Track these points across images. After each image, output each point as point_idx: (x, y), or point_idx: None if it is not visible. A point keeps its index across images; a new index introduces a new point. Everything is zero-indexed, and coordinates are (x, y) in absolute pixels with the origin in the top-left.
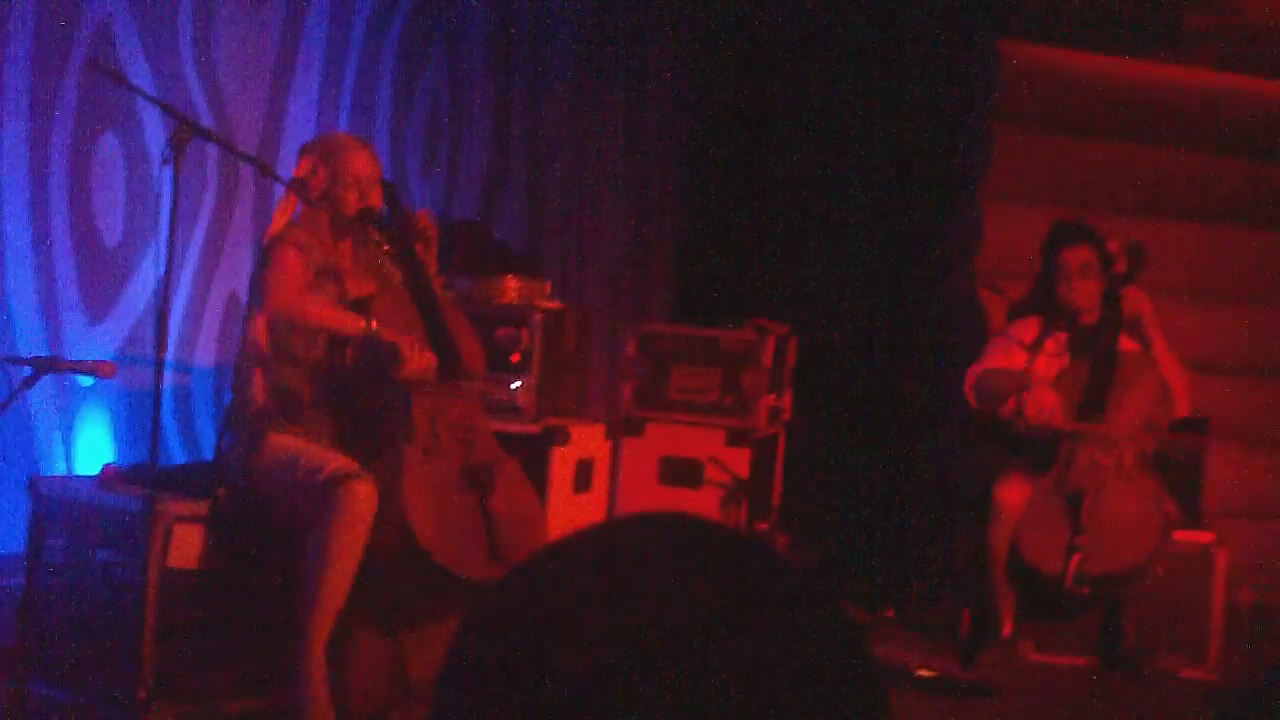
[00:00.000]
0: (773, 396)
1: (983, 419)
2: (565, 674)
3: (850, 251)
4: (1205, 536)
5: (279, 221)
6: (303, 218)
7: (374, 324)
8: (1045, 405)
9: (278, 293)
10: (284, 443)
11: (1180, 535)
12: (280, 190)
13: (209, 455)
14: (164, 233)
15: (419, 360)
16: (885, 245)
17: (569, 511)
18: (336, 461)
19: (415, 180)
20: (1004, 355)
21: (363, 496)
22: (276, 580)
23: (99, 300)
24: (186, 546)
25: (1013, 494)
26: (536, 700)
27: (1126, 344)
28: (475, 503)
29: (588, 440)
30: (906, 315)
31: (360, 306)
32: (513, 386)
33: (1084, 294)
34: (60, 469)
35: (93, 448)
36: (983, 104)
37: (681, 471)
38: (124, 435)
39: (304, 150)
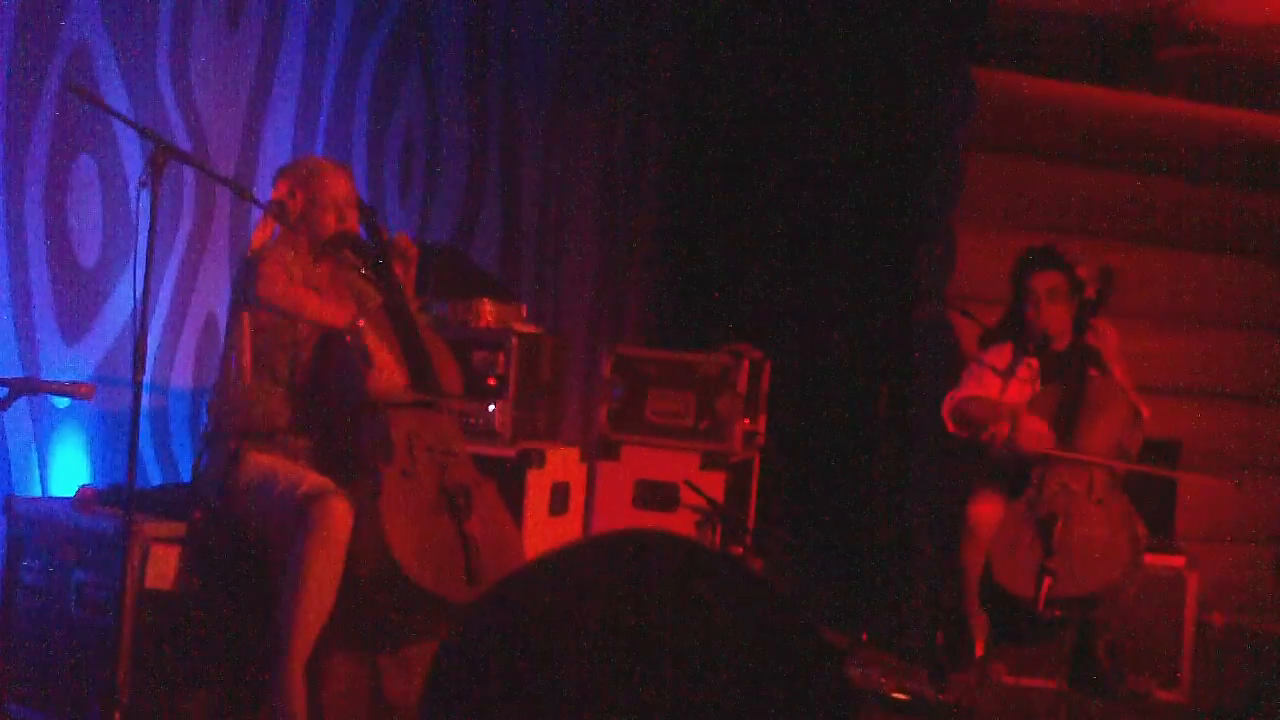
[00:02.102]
0: (747, 420)
1: (956, 442)
2: (546, 693)
3: (824, 276)
4: (1176, 559)
5: (259, 240)
6: (280, 240)
7: (361, 322)
8: (1037, 433)
9: (269, 283)
10: (261, 462)
11: (1151, 558)
12: (258, 213)
13: (186, 476)
14: (141, 255)
15: (390, 376)
16: (858, 270)
17: (545, 534)
18: (313, 480)
19: (392, 204)
20: (977, 383)
21: (339, 514)
22: (254, 601)
23: (75, 321)
24: (163, 567)
25: (985, 511)
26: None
27: (1095, 370)
28: (452, 524)
29: (563, 463)
30: (879, 339)
31: (337, 330)
32: (489, 410)
33: (1052, 319)
34: (36, 490)
35: (69, 469)
36: (956, 130)
37: (656, 495)
38: (100, 456)
39: (281, 173)
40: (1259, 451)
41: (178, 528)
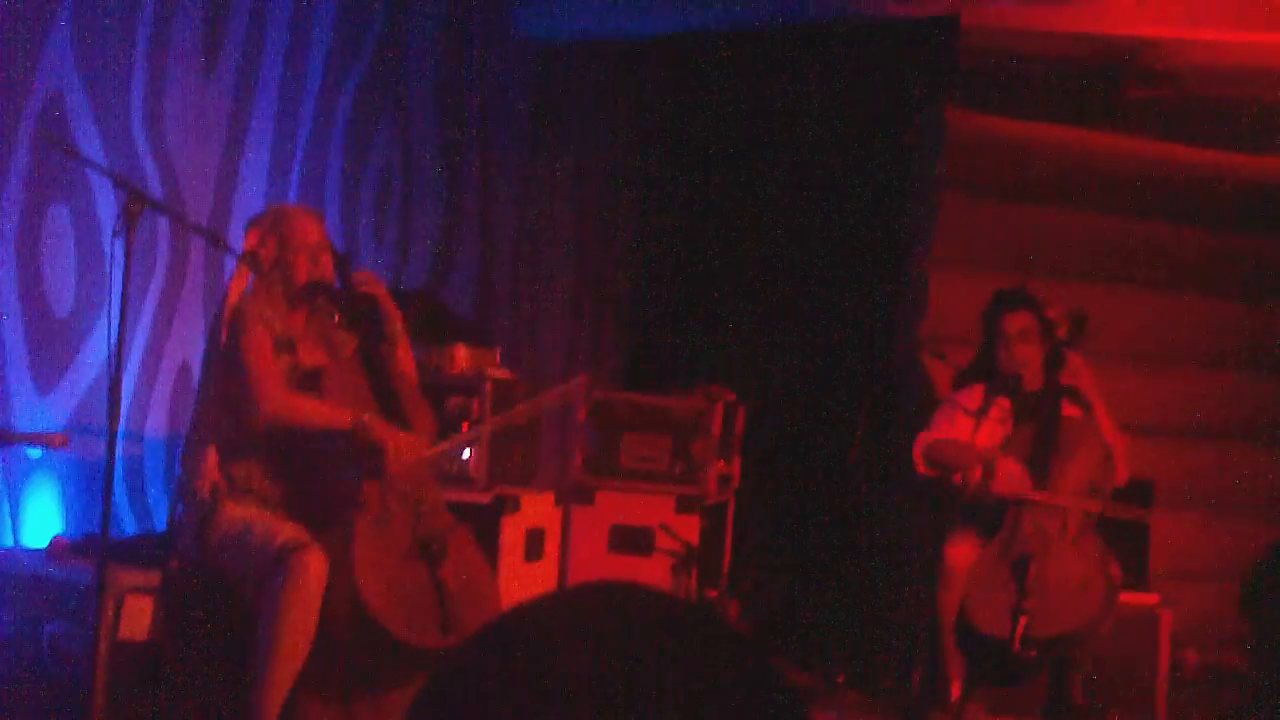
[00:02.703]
0: (722, 463)
1: (930, 484)
2: None
3: (797, 318)
4: (1150, 598)
5: (235, 295)
6: (257, 289)
7: (365, 417)
8: (1014, 476)
9: (267, 393)
10: (236, 513)
11: (1126, 597)
12: (233, 260)
13: (161, 526)
14: (115, 304)
15: (406, 455)
16: (832, 311)
17: (520, 580)
18: (288, 532)
19: (366, 250)
20: (949, 424)
21: (314, 567)
22: (230, 652)
23: (49, 371)
24: (137, 618)
25: (961, 554)
26: None
27: (1069, 410)
28: (426, 572)
29: (538, 509)
30: (853, 381)
31: (312, 378)
32: (463, 456)
33: (1024, 359)
34: (8, 541)
35: (41, 519)
36: (928, 171)
37: (632, 539)
38: (74, 506)
39: (251, 223)
40: (1230, 490)
41: (152, 578)
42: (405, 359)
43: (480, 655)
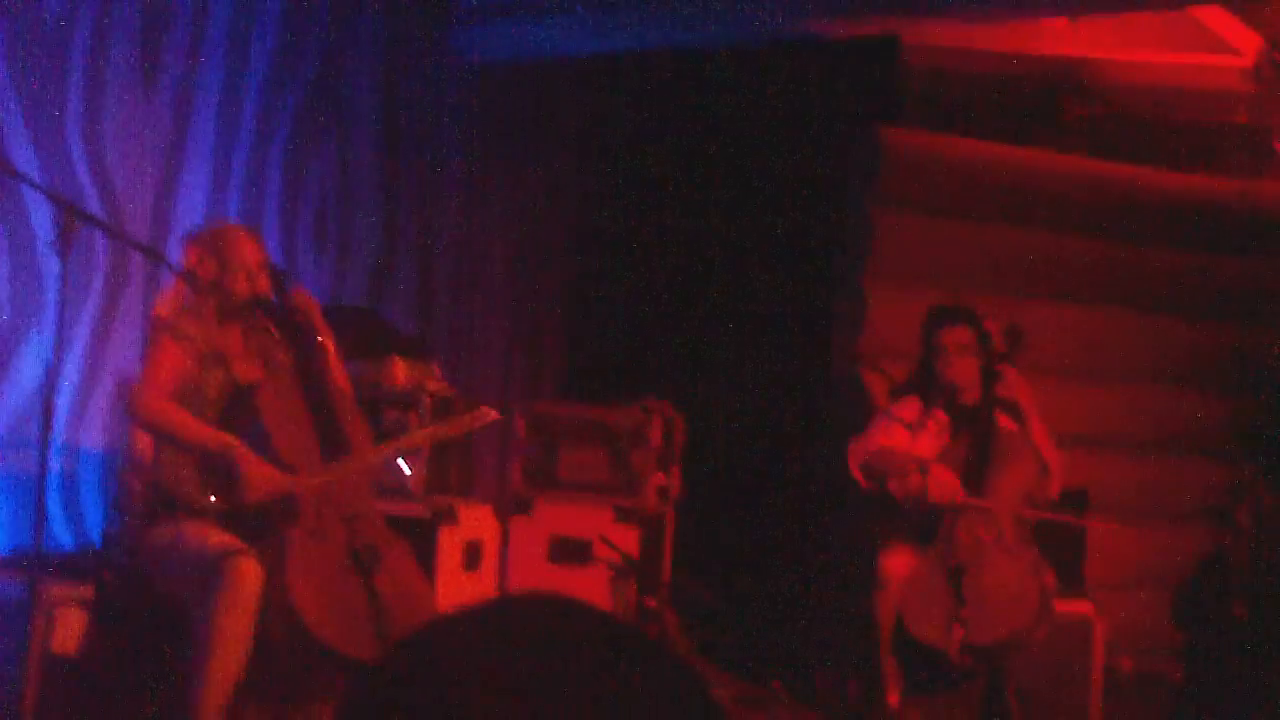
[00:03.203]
0: (661, 475)
1: (866, 493)
2: None
3: (736, 332)
4: (1085, 607)
5: (165, 308)
6: (190, 305)
7: (237, 445)
8: (947, 485)
9: (145, 395)
10: (170, 526)
11: (1060, 606)
12: (171, 276)
13: (97, 539)
14: (52, 318)
15: (259, 486)
16: (770, 326)
17: (458, 591)
18: (222, 540)
19: (305, 264)
20: (884, 434)
21: (249, 573)
22: (164, 663)
23: None
24: (69, 631)
25: (897, 563)
26: None
27: (1005, 423)
28: (361, 584)
29: (476, 520)
30: (791, 395)
31: (245, 393)
32: (401, 469)
33: (962, 373)
34: None
35: None
36: (864, 188)
37: (571, 550)
38: (7, 519)
39: (191, 240)
40: (1163, 500)
41: (85, 591)
42: (339, 375)
43: (401, 664)
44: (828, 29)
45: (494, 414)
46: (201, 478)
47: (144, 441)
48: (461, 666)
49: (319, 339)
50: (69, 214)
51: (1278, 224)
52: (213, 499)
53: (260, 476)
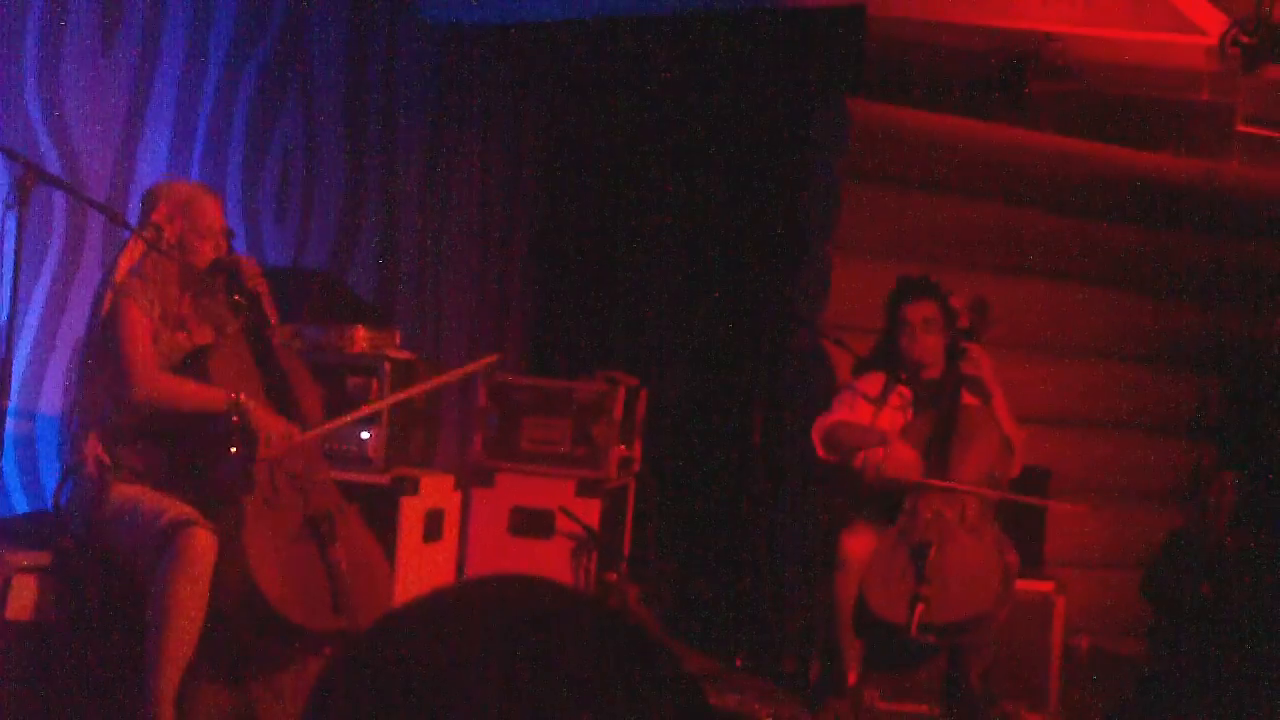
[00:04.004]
0: (623, 447)
1: (831, 469)
2: None
3: (700, 304)
4: (1045, 585)
5: (122, 270)
6: (148, 264)
7: (243, 396)
8: (905, 461)
9: (140, 373)
10: (125, 492)
11: (1021, 584)
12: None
13: (53, 505)
14: (6, 279)
15: (279, 441)
16: (734, 298)
17: (419, 562)
18: (176, 509)
19: (268, 229)
20: (849, 409)
21: (203, 543)
22: (122, 632)
23: None
24: (23, 598)
25: (858, 544)
26: None
27: (968, 399)
28: (317, 553)
29: (438, 490)
30: (755, 368)
31: (198, 357)
32: (362, 436)
33: (926, 348)
34: None
35: None
36: (831, 161)
37: (532, 522)
38: None
39: (157, 196)
40: (1125, 478)
41: (42, 557)
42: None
43: (378, 645)
44: None
45: (492, 358)
46: (156, 446)
47: (97, 403)
48: (438, 647)
49: (265, 310)
50: (27, 172)
51: (1241, 204)
52: (232, 449)
53: (268, 428)
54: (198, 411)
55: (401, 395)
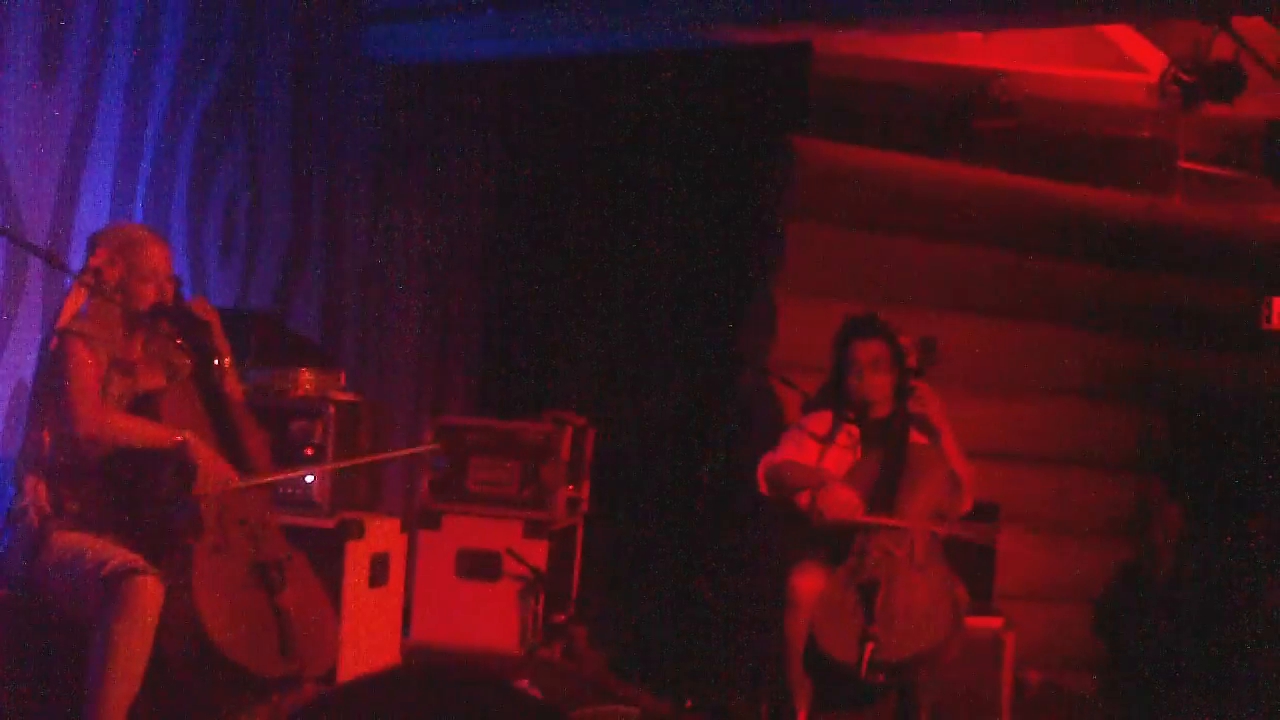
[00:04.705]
0: (571, 488)
1: (778, 509)
2: None
3: (647, 344)
4: (995, 621)
5: (67, 315)
6: (92, 309)
7: (188, 435)
8: (844, 502)
9: (85, 411)
10: (68, 540)
11: (971, 621)
12: (70, 281)
13: None
14: None
15: (215, 481)
16: (682, 338)
17: (365, 606)
18: (121, 557)
19: (212, 269)
20: (796, 447)
21: (149, 592)
22: (59, 682)
23: None
24: None
25: (808, 583)
26: None
27: (916, 437)
28: (265, 599)
29: (383, 534)
30: (702, 408)
31: (148, 401)
32: (307, 480)
33: (875, 387)
34: None
35: None
36: (777, 200)
37: (479, 564)
38: None
39: (98, 240)
40: (1072, 512)
41: None
42: (234, 387)
43: None
44: (739, 36)
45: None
46: (102, 492)
47: (41, 448)
48: None
49: (219, 347)
50: None
51: (1183, 239)
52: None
53: (209, 468)
54: (145, 447)
55: (342, 464)
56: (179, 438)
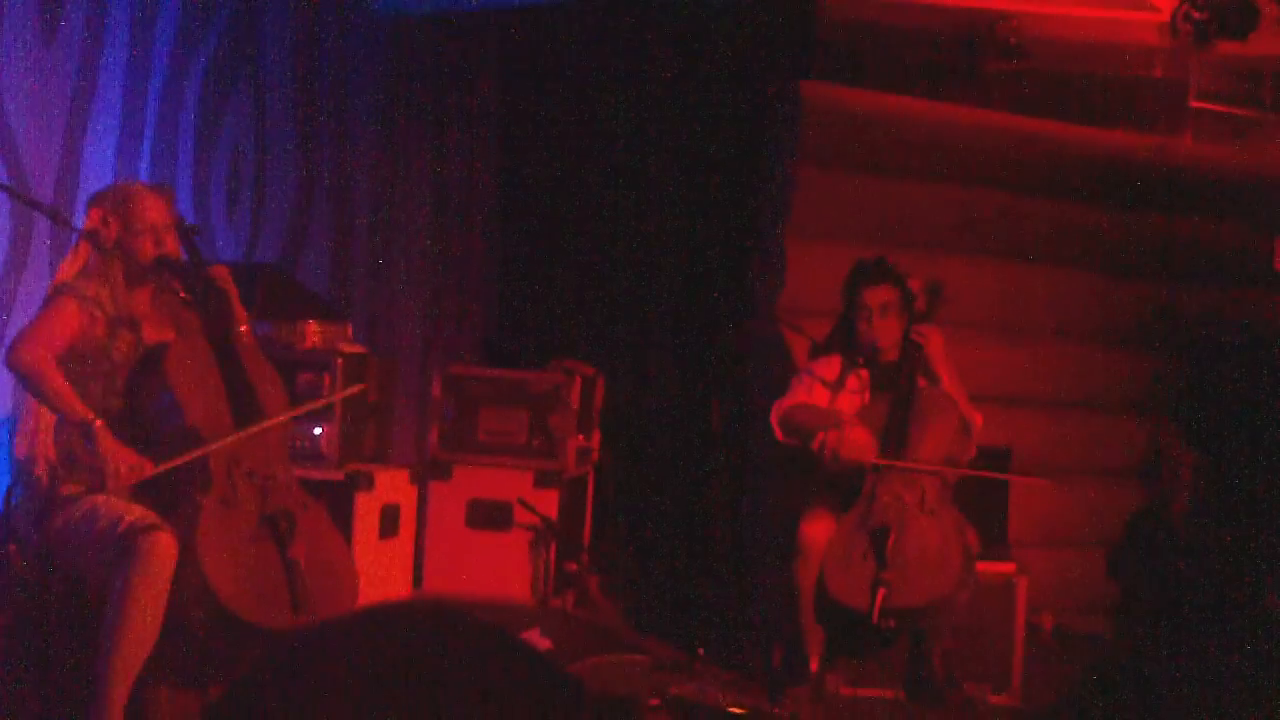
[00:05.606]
0: (581, 437)
1: (790, 453)
2: None
3: (656, 292)
4: (1007, 566)
5: (68, 271)
6: (95, 267)
7: (98, 423)
8: (860, 443)
9: (31, 344)
10: (79, 496)
11: (983, 566)
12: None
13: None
14: None
15: (125, 475)
16: (690, 285)
17: (375, 558)
18: (135, 513)
19: (219, 224)
20: (806, 393)
21: (164, 547)
22: (72, 638)
23: None
24: None
25: (818, 530)
26: None
27: (925, 381)
28: (275, 552)
29: (393, 485)
30: (711, 354)
31: (154, 355)
32: (315, 432)
33: (884, 332)
34: None
35: None
36: (784, 144)
37: (490, 514)
38: None
39: (94, 201)
40: (1084, 456)
41: None
42: (250, 338)
43: (271, 674)
44: None
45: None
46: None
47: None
48: (332, 675)
49: (236, 321)
50: None
51: (1194, 181)
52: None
53: (116, 460)
54: (56, 408)
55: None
56: (89, 419)
